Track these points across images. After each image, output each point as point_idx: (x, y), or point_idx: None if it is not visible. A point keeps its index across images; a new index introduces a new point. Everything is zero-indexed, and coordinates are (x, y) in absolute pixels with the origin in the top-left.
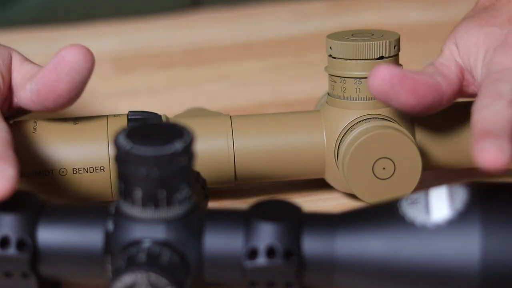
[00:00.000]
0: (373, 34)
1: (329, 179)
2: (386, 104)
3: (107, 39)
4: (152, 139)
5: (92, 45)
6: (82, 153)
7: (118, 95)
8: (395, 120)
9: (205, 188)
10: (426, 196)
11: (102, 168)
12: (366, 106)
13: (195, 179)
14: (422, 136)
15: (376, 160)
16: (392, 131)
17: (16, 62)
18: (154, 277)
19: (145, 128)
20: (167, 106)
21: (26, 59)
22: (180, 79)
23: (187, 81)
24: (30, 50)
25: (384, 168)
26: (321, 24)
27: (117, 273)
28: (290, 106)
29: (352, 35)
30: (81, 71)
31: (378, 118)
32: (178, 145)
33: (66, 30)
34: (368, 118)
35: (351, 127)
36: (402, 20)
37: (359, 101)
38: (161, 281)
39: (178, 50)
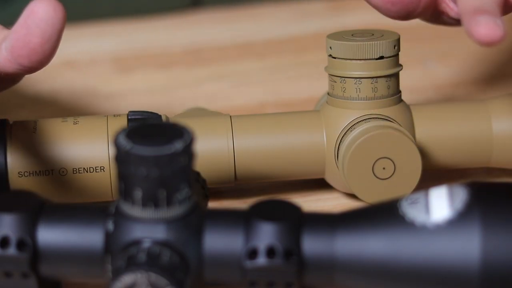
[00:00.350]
0: (373, 34)
1: (329, 179)
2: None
3: (107, 39)
4: (152, 139)
5: (92, 45)
6: (82, 153)
7: (118, 95)
8: (395, 120)
9: (205, 188)
10: (426, 196)
11: (102, 168)
12: (366, 106)
13: (195, 179)
14: (422, 136)
15: (376, 160)
16: (392, 131)
17: None
18: (154, 277)
19: (145, 128)
20: (167, 106)
21: (5, 28)
22: (180, 79)
23: (187, 81)
24: None
25: (384, 168)
26: (321, 24)
27: (117, 273)
28: (290, 106)
29: (352, 35)
30: (52, 23)
31: (378, 118)
32: (178, 145)
33: (66, 30)
34: (368, 118)
35: (351, 127)
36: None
37: (359, 101)
38: (161, 281)
39: (178, 50)
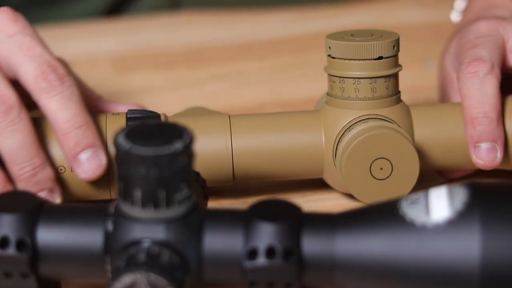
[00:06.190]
0: (372, 35)
1: (328, 179)
2: None
3: (107, 39)
4: (152, 139)
5: (92, 45)
6: None
7: (118, 95)
8: (394, 121)
9: (204, 188)
10: (426, 196)
11: None
12: (365, 106)
13: (195, 179)
14: (421, 137)
15: (374, 161)
16: (389, 132)
17: None
18: (154, 277)
19: (145, 128)
20: (167, 106)
21: None
22: (180, 79)
23: (187, 81)
24: None
25: (381, 169)
26: (321, 24)
27: (116, 273)
28: (290, 106)
29: (351, 35)
30: None
31: (377, 118)
32: (177, 145)
33: (65, 30)
34: (367, 119)
35: (349, 127)
36: (402, 20)
37: (358, 101)
38: (161, 281)
39: (178, 50)
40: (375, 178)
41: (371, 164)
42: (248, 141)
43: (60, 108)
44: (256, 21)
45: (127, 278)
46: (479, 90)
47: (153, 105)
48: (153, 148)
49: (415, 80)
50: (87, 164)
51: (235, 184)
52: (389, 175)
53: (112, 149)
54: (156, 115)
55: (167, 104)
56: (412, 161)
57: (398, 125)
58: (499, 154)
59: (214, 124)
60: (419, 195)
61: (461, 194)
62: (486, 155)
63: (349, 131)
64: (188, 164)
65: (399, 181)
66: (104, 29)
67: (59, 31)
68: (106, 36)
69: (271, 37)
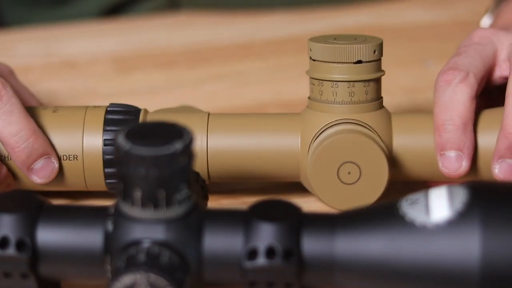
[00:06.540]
0: (356, 39)
1: (305, 183)
2: None
3: (107, 39)
4: (152, 139)
5: (92, 45)
6: (56, 140)
7: (118, 95)
8: (370, 127)
9: (204, 188)
10: (426, 196)
11: (75, 156)
12: (342, 111)
13: (195, 179)
14: (401, 146)
15: (341, 164)
16: (357, 136)
17: None
18: (154, 277)
19: (145, 128)
20: (167, 106)
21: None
22: (180, 79)
23: (187, 81)
24: (30, 50)
25: (349, 173)
26: (321, 25)
27: (116, 274)
28: (290, 106)
29: (334, 38)
30: None
31: (352, 123)
32: (177, 145)
33: (65, 30)
34: (342, 123)
35: (323, 131)
36: (402, 20)
37: (335, 104)
38: (161, 281)
39: (178, 50)
40: (343, 182)
41: (338, 168)
42: (224, 141)
43: (3, 125)
44: (256, 21)
45: (127, 279)
46: (449, 97)
47: (153, 105)
48: (153, 148)
49: (415, 80)
50: (41, 172)
51: (235, 184)
52: (357, 180)
53: (87, 141)
54: (136, 110)
55: (167, 104)
56: (381, 167)
57: (375, 131)
58: (464, 163)
59: (191, 122)
60: (419, 195)
61: (461, 194)
62: (450, 164)
63: (319, 134)
64: (188, 164)
65: (367, 187)
66: (104, 29)
67: (59, 31)
68: (106, 36)
69: (271, 37)
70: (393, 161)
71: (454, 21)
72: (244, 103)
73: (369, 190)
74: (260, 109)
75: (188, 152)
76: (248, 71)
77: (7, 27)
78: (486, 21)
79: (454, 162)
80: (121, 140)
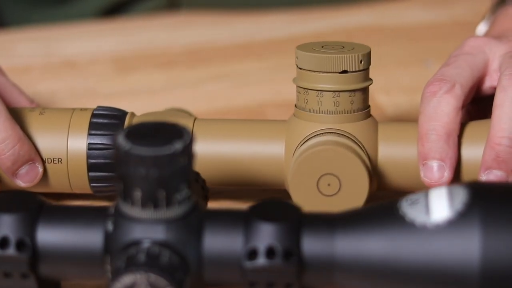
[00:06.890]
0: (343, 47)
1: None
2: None
3: (107, 39)
4: (152, 139)
5: (92, 45)
6: (41, 143)
7: (118, 95)
8: (355, 137)
9: (204, 189)
10: (426, 196)
11: (59, 159)
12: (327, 120)
13: (195, 180)
14: (386, 157)
15: (321, 176)
16: (337, 148)
17: None
18: (154, 277)
19: (145, 128)
20: (167, 106)
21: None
22: (180, 79)
23: (187, 81)
24: (30, 50)
25: (329, 185)
26: (321, 25)
27: (116, 274)
28: (290, 106)
29: (322, 46)
30: None
31: (336, 133)
32: (177, 146)
33: (66, 30)
34: (325, 133)
35: (306, 141)
36: (402, 20)
37: (320, 114)
38: (161, 281)
39: (178, 50)
40: (322, 193)
41: (318, 179)
42: (208, 146)
43: None
44: (256, 21)
45: (127, 279)
46: (433, 108)
47: (153, 105)
48: (153, 148)
49: (415, 80)
50: (26, 177)
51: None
52: (337, 192)
53: (72, 145)
54: (122, 113)
55: (167, 104)
56: (361, 180)
57: (359, 141)
58: (446, 174)
59: None
60: (419, 195)
61: (461, 194)
62: (432, 174)
63: (301, 144)
64: (188, 165)
65: (347, 199)
66: (104, 29)
67: (59, 31)
68: (106, 36)
69: (271, 37)
70: (378, 171)
71: (454, 21)
72: (244, 103)
73: (348, 203)
74: (260, 109)
75: (188, 152)
76: (248, 71)
77: (7, 27)
78: (481, 28)
79: (436, 172)
80: (121, 140)
